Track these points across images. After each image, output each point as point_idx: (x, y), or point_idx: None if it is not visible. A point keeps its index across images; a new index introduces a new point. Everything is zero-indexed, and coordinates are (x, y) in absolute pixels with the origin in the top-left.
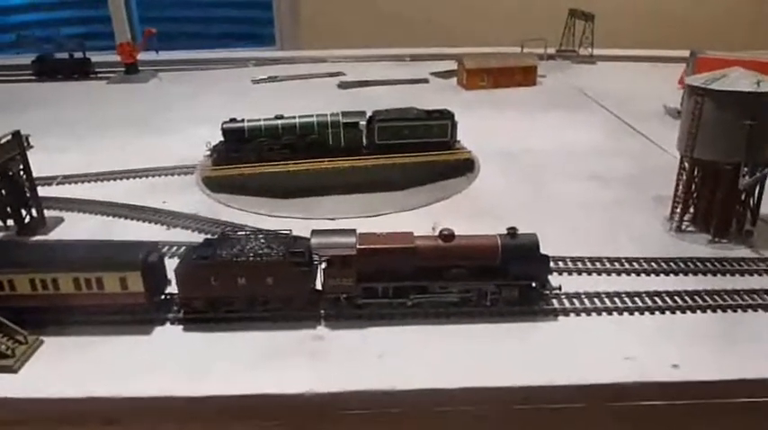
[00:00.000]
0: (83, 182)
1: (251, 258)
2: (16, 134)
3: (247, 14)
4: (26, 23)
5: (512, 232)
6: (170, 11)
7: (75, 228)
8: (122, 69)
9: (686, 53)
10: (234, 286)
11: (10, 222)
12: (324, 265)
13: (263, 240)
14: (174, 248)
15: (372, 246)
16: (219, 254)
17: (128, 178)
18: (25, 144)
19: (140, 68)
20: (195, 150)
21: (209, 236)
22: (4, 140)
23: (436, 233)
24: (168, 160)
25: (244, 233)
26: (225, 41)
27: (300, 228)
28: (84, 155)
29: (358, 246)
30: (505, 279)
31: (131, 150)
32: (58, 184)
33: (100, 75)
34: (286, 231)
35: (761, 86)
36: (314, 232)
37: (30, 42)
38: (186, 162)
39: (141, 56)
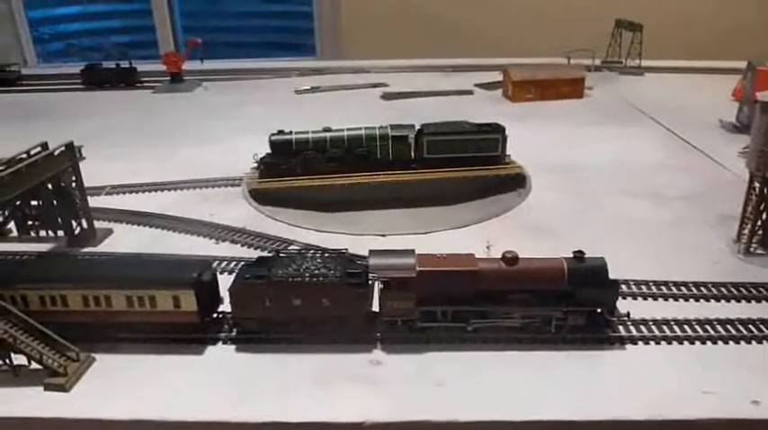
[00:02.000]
0: (131, 192)
1: (307, 279)
2: (69, 146)
3: (288, 24)
4: (74, 32)
5: (579, 255)
6: (212, 21)
7: (124, 241)
8: (167, 78)
9: (738, 63)
10: (289, 307)
11: (59, 233)
12: (381, 287)
13: (318, 260)
14: (225, 264)
15: (433, 269)
16: (275, 273)
17: (175, 189)
18: (78, 155)
19: (185, 78)
20: (241, 161)
21: (259, 251)
22: (57, 152)
23: (490, 252)
24: (214, 171)
25: (298, 251)
26: (265, 51)
27: (350, 244)
28: (131, 164)
29: (418, 269)
30: (571, 305)
31: (177, 160)
32: (106, 194)
33: (146, 84)
34: (342, 250)
35: None
36: (371, 252)
37: (78, 51)
38: (232, 173)
39: (186, 65)
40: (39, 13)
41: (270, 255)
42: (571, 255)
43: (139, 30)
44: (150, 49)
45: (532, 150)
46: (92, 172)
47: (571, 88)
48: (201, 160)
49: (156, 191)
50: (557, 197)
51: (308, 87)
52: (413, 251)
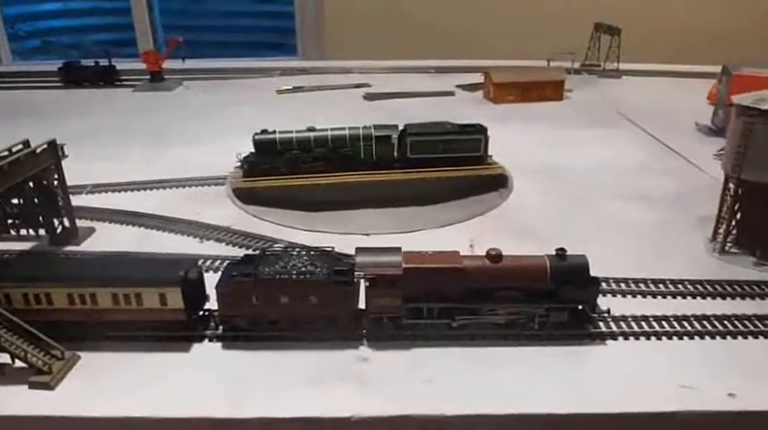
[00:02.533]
0: (113, 191)
1: (294, 276)
2: (52, 143)
3: (269, 24)
4: (53, 29)
5: (561, 253)
6: (192, 20)
7: (107, 239)
8: (147, 77)
9: (712, 68)
10: (276, 304)
11: (41, 232)
12: (367, 284)
13: (305, 257)
14: (210, 262)
15: (419, 266)
16: (262, 271)
17: (158, 188)
18: (60, 153)
19: (165, 77)
20: (224, 161)
21: (244, 249)
22: (39, 149)
23: (474, 250)
24: (198, 170)
25: (285, 249)
26: (246, 50)
27: (335, 243)
28: (113, 163)
29: (404, 266)
30: (554, 301)
31: (160, 159)
32: (87, 193)
33: (125, 82)
34: (328, 248)
35: None
36: (358, 250)
37: (55, 48)
38: (216, 172)
39: (166, 64)
40: (14, 9)
41: (256, 253)
42: (554, 253)
43: (119, 28)
44: (129, 47)
45: (514, 151)
46: (74, 170)
47: (552, 90)
48: (186, 160)
49: (139, 190)
50: (538, 197)
51: (290, 87)
52: (399, 249)
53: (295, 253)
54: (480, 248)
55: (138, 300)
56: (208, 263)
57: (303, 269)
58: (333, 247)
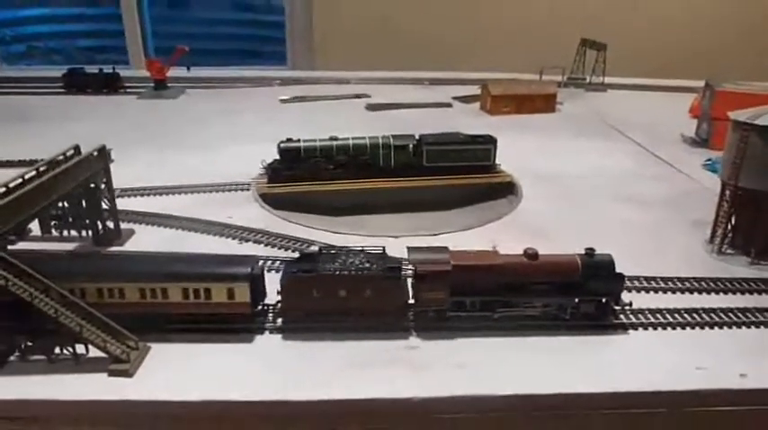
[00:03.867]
0: (141, 195)
1: (353, 272)
2: (102, 149)
3: (259, 33)
4: (39, 35)
5: (589, 252)
6: (182, 27)
7: (147, 240)
8: (148, 84)
9: (691, 83)
10: (334, 298)
11: (83, 232)
12: (414, 280)
13: (361, 255)
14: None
15: (466, 263)
16: (323, 267)
17: (185, 193)
18: (109, 159)
19: (169, 84)
20: (242, 166)
21: (282, 250)
22: (91, 155)
23: (497, 251)
24: (218, 176)
25: (340, 249)
26: (233, 58)
27: (365, 244)
28: (131, 168)
29: (452, 263)
30: (584, 295)
31: (179, 165)
32: (117, 197)
33: (128, 90)
34: (378, 248)
35: None
36: (410, 249)
37: (40, 53)
38: (236, 178)
39: (169, 72)
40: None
41: (312, 252)
42: (583, 252)
43: (106, 34)
44: (117, 53)
45: (516, 160)
46: None
47: (545, 103)
48: (203, 165)
49: (165, 194)
50: (545, 202)
51: (291, 97)
52: (446, 248)
53: (350, 252)
54: (502, 249)
55: (207, 295)
56: (261, 262)
57: (360, 265)
58: (383, 247)
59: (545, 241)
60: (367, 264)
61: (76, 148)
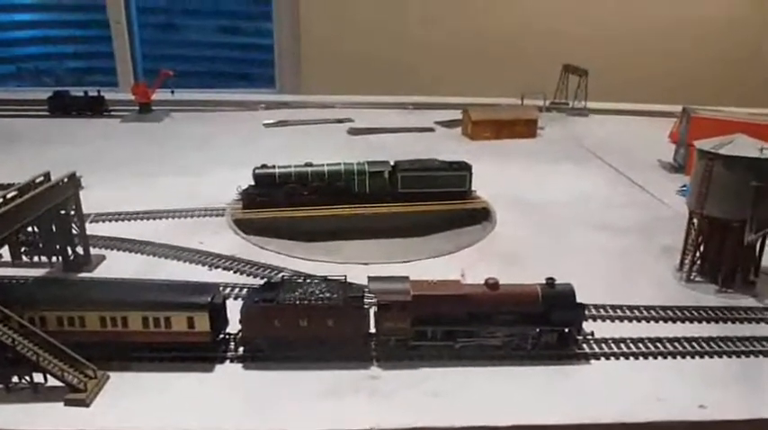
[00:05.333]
0: (115, 220)
1: (313, 302)
2: (72, 176)
3: (248, 56)
4: (29, 56)
5: (550, 282)
6: (171, 49)
7: (118, 266)
8: (134, 107)
9: (673, 107)
10: (296, 327)
11: (53, 258)
12: (376, 309)
13: (322, 285)
14: (228, 289)
15: (425, 293)
16: (283, 297)
17: (160, 218)
18: (78, 185)
19: (153, 108)
20: (220, 192)
21: (251, 277)
22: (61, 182)
23: (465, 279)
24: (194, 201)
25: (303, 278)
26: (222, 81)
27: (334, 271)
28: (110, 192)
29: (413, 293)
30: (545, 325)
31: (158, 189)
32: (91, 222)
33: (113, 113)
34: (341, 277)
35: (764, 153)
36: (370, 278)
37: (30, 75)
38: (213, 203)
39: (154, 96)
40: None
41: (275, 280)
42: (543, 282)
43: (97, 56)
44: (106, 75)
45: (493, 186)
46: None
47: (525, 128)
48: (182, 190)
49: (141, 219)
50: (520, 230)
51: (277, 121)
52: (407, 277)
53: (312, 281)
54: (471, 276)
55: (167, 324)
56: (227, 290)
57: (321, 295)
58: (345, 276)
59: (516, 267)
60: (328, 294)
61: (47, 175)
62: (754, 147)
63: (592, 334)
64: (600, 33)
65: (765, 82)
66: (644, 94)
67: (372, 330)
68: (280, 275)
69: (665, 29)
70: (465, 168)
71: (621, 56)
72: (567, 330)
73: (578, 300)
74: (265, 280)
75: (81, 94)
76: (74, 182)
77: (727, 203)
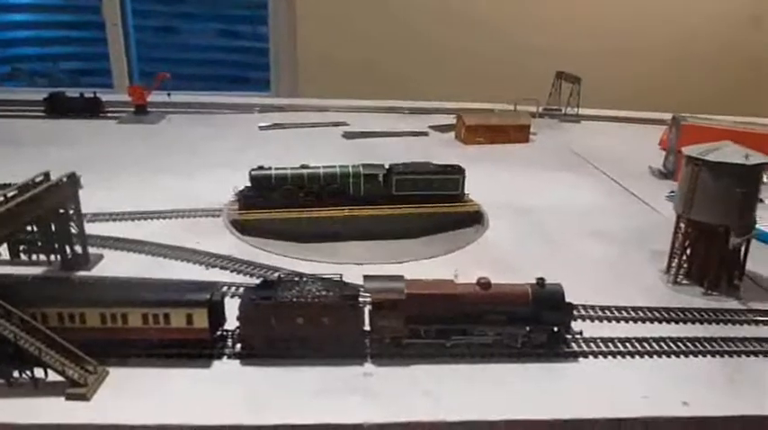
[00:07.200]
0: (113, 220)
1: (310, 300)
2: (71, 176)
3: (243, 59)
4: (23, 57)
5: (540, 282)
6: (167, 52)
7: (116, 266)
8: (130, 109)
9: (663, 115)
10: (292, 325)
11: (52, 257)
12: (371, 308)
13: (319, 283)
14: (225, 288)
15: (419, 292)
16: (281, 295)
17: (156, 218)
18: (78, 185)
19: (149, 110)
20: (217, 193)
21: (248, 277)
22: (60, 181)
23: (457, 280)
24: (192, 202)
25: (300, 277)
26: (219, 84)
27: (330, 272)
28: (105, 192)
29: (407, 292)
30: (535, 324)
31: (151, 190)
32: (88, 222)
33: (109, 114)
34: (337, 276)
35: (749, 159)
36: (366, 277)
37: (25, 75)
38: (210, 205)
39: (150, 97)
40: None
41: (272, 279)
42: (534, 282)
43: (91, 57)
44: (101, 76)
45: (486, 190)
46: None
47: (518, 134)
48: (178, 191)
49: (137, 220)
50: (512, 234)
51: (272, 123)
52: (402, 277)
53: (309, 280)
54: (464, 278)
55: (166, 320)
56: (224, 288)
57: (317, 293)
58: (341, 275)
59: (507, 270)
60: (324, 292)
61: (46, 175)
62: (740, 154)
63: (580, 333)
64: (593, 42)
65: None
66: (636, 102)
67: (367, 328)
68: (276, 274)
69: (659, 36)
70: (458, 172)
71: (615, 64)
72: (556, 329)
73: (567, 300)
74: (262, 278)
75: (77, 95)
76: (73, 181)
77: (712, 208)
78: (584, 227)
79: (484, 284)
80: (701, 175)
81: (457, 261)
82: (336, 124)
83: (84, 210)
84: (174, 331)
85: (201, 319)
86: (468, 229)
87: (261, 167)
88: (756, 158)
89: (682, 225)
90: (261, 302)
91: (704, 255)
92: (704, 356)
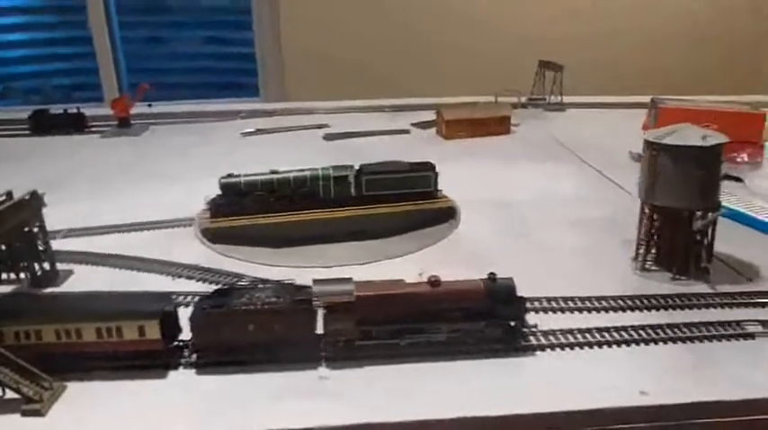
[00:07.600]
0: (86, 235)
1: (260, 307)
2: (34, 194)
3: (231, 66)
4: (16, 75)
5: (492, 277)
6: (155, 62)
7: (85, 281)
8: (114, 122)
9: (649, 98)
10: (244, 333)
11: (20, 275)
12: (323, 311)
13: (270, 290)
14: (182, 297)
15: (369, 293)
16: (232, 303)
17: (130, 231)
18: (42, 202)
19: (132, 122)
20: (191, 202)
21: (213, 285)
22: (23, 199)
23: (422, 278)
24: (168, 213)
25: (252, 284)
26: (208, 91)
27: (298, 276)
28: (83, 207)
29: (356, 294)
30: (489, 319)
31: (129, 203)
32: (63, 238)
33: (93, 129)
34: (289, 281)
35: (707, 140)
36: (315, 281)
37: (18, 94)
38: (186, 214)
39: (134, 109)
40: None
41: (225, 287)
42: (486, 277)
43: (82, 71)
44: (93, 90)
45: (465, 186)
46: (47, 215)
47: (499, 126)
48: (154, 202)
49: (111, 233)
50: (485, 228)
51: (254, 130)
52: (351, 279)
53: (260, 286)
54: (440, 275)
55: (118, 333)
56: (181, 298)
57: (267, 300)
58: (294, 279)
59: (480, 265)
60: (275, 298)
61: (8, 194)
62: (699, 135)
63: (535, 326)
64: (575, 28)
65: (749, 70)
66: (621, 86)
67: (321, 332)
68: (235, 281)
69: (641, 18)
70: (430, 168)
71: (598, 49)
72: (512, 324)
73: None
74: (216, 287)
75: (60, 111)
76: (36, 199)
77: (674, 192)
78: (564, 218)
79: (434, 282)
80: (660, 160)
81: (428, 258)
82: (318, 126)
83: (59, 226)
84: (128, 343)
85: (154, 331)
86: (440, 226)
87: (230, 175)
88: (714, 139)
89: (646, 211)
90: (211, 311)
91: (670, 239)
92: (666, 343)
